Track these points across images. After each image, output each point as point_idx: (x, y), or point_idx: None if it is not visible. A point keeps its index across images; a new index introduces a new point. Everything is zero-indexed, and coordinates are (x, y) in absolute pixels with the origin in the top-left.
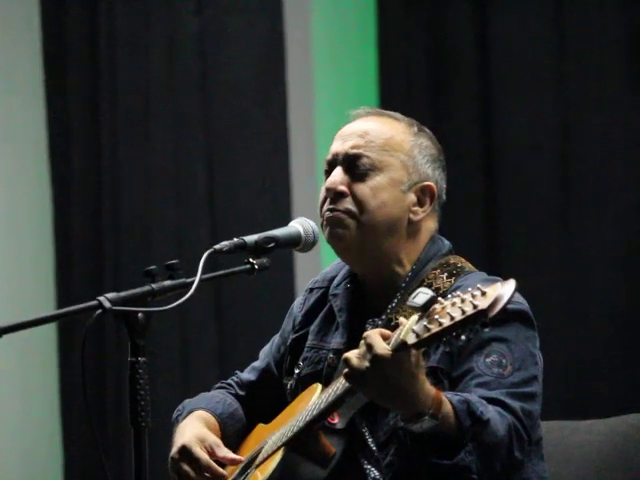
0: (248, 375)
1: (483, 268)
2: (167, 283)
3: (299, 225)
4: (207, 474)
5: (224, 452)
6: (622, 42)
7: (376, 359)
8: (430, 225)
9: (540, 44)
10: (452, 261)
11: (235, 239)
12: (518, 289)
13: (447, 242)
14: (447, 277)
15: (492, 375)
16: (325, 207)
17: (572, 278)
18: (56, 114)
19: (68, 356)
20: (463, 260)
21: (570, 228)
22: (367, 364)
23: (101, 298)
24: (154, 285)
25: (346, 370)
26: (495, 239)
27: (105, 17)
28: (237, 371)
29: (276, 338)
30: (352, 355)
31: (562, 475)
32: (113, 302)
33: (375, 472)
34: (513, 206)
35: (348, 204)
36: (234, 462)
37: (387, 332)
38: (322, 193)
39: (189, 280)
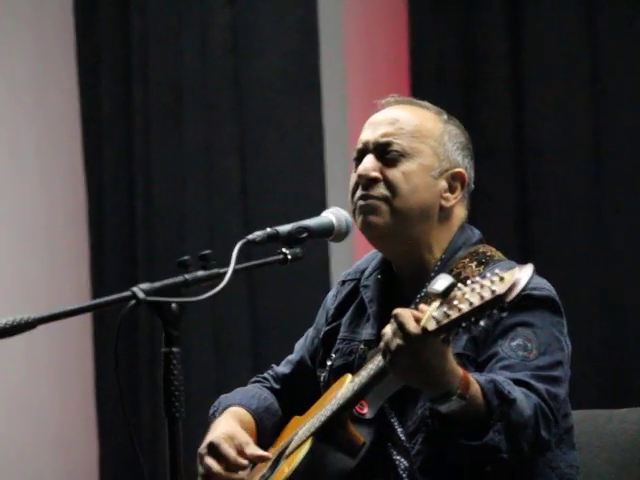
0: (283, 368)
1: (514, 258)
2: (200, 273)
3: (332, 215)
4: (233, 471)
5: (252, 449)
6: None
7: (407, 337)
8: (460, 213)
9: (572, 39)
10: (482, 250)
11: (268, 229)
12: (554, 278)
13: (477, 231)
14: (476, 266)
15: (517, 358)
16: (358, 194)
17: (605, 268)
18: (89, 108)
19: (102, 346)
20: (493, 249)
21: (603, 222)
22: (399, 341)
23: (135, 289)
24: (187, 275)
25: (381, 344)
26: (527, 233)
27: (137, 10)
28: (273, 365)
29: (310, 331)
30: (387, 330)
31: (597, 464)
32: (147, 293)
33: (405, 462)
34: (545, 200)
35: (381, 189)
36: (262, 459)
37: (418, 314)
38: (353, 180)
39: (222, 270)
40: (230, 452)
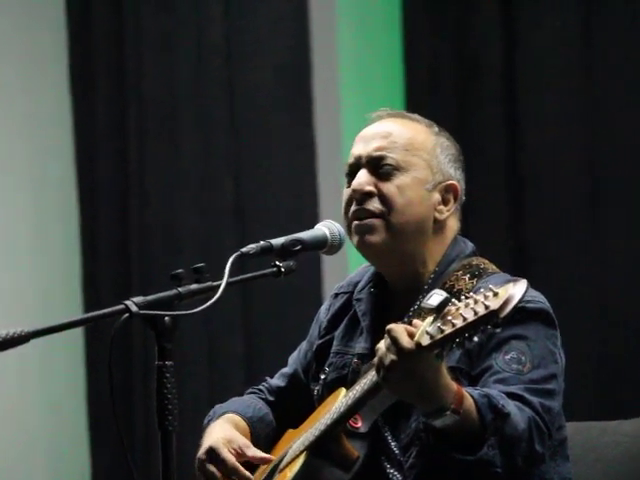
0: (277, 381)
1: (508, 269)
2: (194, 286)
3: (325, 228)
4: (233, 477)
5: (253, 451)
6: None
7: (401, 352)
8: (453, 225)
9: (567, 44)
10: (475, 262)
11: (262, 242)
12: (549, 290)
13: (470, 244)
14: (469, 278)
15: (511, 372)
16: (352, 209)
17: (600, 278)
18: (83, 119)
19: (95, 360)
20: (486, 261)
21: (597, 227)
22: (393, 357)
23: (128, 302)
24: (181, 289)
25: (375, 360)
26: (521, 239)
27: (132, 20)
28: (267, 377)
29: (303, 344)
30: (381, 346)
31: (591, 476)
32: (140, 306)
33: (398, 476)
34: (539, 205)
35: (376, 203)
36: (264, 461)
37: (411, 329)
38: (346, 195)
39: (216, 283)
40: (229, 457)
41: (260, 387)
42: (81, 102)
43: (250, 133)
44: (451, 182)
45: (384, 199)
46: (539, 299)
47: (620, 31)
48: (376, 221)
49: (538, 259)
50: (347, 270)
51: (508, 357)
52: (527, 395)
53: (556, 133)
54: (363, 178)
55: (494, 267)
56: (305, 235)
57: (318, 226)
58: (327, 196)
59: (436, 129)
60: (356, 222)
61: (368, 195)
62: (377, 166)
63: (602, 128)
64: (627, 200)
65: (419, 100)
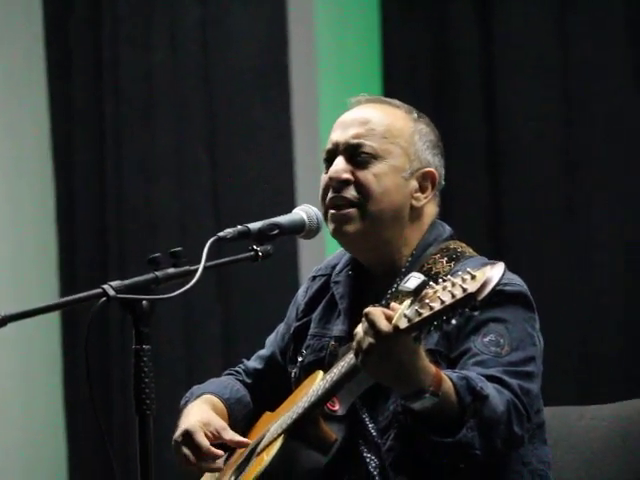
0: (254, 363)
1: (487, 255)
2: (171, 271)
3: (303, 212)
4: (206, 462)
5: (230, 435)
6: (624, 29)
7: (378, 336)
8: (431, 210)
9: (542, 34)
10: (452, 246)
11: (239, 226)
12: (525, 273)
13: (448, 227)
14: (447, 262)
15: (489, 354)
16: (329, 196)
17: (577, 264)
18: (59, 105)
19: (72, 344)
20: (464, 245)
21: (575, 215)
22: (370, 340)
23: (105, 286)
24: (158, 273)
25: (353, 343)
26: (500, 228)
27: (108, 7)
28: (244, 359)
29: (281, 326)
30: (359, 329)
31: (568, 460)
32: (117, 290)
33: (375, 460)
34: (517, 196)
35: (352, 191)
36: (241, 444)
37: (389, 312)
38: (323, 182)
39: (193, 268)
40: (204, 442)
41: (237, 369)
42: (58, 90)
43: (226, 117)
44: (429, 169)
45: (360, 187)
46: (517, 282)
47: (594, 20)
48: (352, 210)
49: (515, 243)
50: (324, 254)
51: (487, 340)
52: (506, 377)
53: (532, 119)
54: (340, 166)
55: (471, 250)
56: (283, 219)
57: (296, 210)
58: (304, 181)
59: (415, 115)
60: (332, 211)
61: (345, 183)
62: (354, 154)
63: (579, 114)
64: (605, 183)
65: (396, 89)
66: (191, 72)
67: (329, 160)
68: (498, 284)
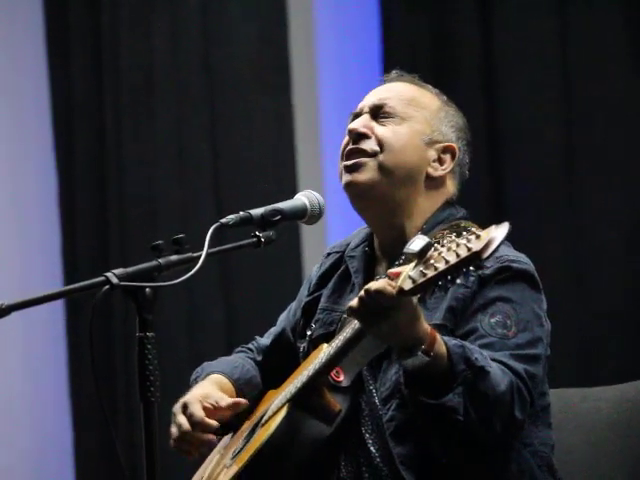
0: (265, 340)
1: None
2: (174, 258)
3: (305, 197)
4: (198, 430)
5: (227, 400)
6: (623, 19)
7: (384, 297)
8: (448, 188)
9: (542, 21)
10: (463, 224)
11: (241, 212)
12: (528, 257)
13: (463, 210)
14: (456, 236)
15: (496, 336)
16: (347, 149)
17: (577, 249)
18: (60, 93)
19: (76, 333)
20: (475, 225)
21: (574, 201)
22: (375, 301)
23: (108, 274)
24: (161, 260)
25: (353, 303)
26: (500, 215)
27: None
28: (256, 336)
29: (293, 304)
30: (362, 293)
31: (573, 442)
32: (120, 278)
33: (374, 447)
34: (517, 185)
35: (371, 144)
36: (237, 404)
37: (392, 282)
38: (345, 140)
39: (196, 254)
40: (199, 412)
41: (249, 346)
42: (58, 75)
43: (227, 105)
44: (449, 144)
45: (379, 140)
46: (524, 260)
47: (593, 10)
48: (367, 159)
49: (515, 229)
50: (326, 239)
51: (494, 320)
52: (512, 362)
53: (532, 105)
54: (361, 121)
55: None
56: (284, 205)
57: (298, 196)
58: (306, 167)
59: (444, 98)
60: (347, 161)
61: (363, 136)
62: (377, 113)
63: (578, 102)
64: (604, 170)
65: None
66: (192, 59)
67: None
68: (503, 242)
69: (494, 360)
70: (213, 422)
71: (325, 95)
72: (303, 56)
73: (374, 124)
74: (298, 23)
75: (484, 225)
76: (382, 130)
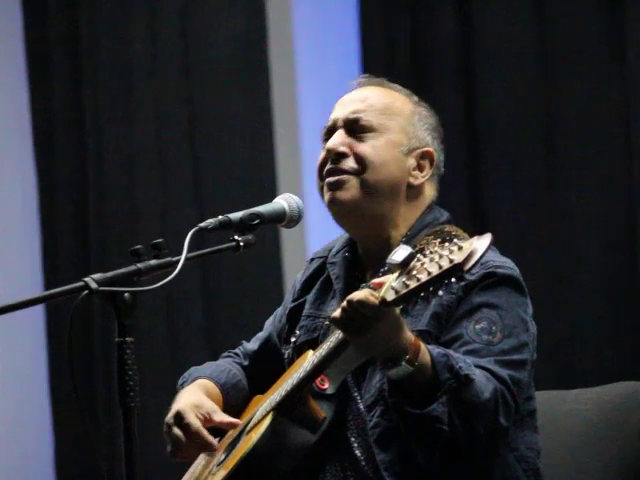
0: (252, 345)
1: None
2: (153, 262)
3: (284, 201)
4: (197, 440)
5: (220, 416)
6: (602, 17)
7: (367, 308)
8: (429, 193)
9: (521, 19)
10: (447, 229)
11: (220, 217)
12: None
13: (446, 213)
14: (440, 242)
15: (481, 342)
16: (326, 168)
17: (557, 251)
18: (39, 98)
19: (56, 337)
20: (460, 230)
21: (555, 197)
22: (358, 312)
23: (87, 279)
24: (140, 265)
25: (335, 314)
26: (480, 216)
27: None
28: (243, 341)
29: (279, 309)
30: (344, 304)
31: (552, 444)
32: (99, 283)
33: (359, 451)
34: (496, 176)
35: (350, 163)
36: (231, 425)
37: (374, 293)
38: (321, 156)
39: (175, 259)
40: (194, 421)
41: (236, 351)
42: (38, 83)
43: (206, 107)
44: (427, 149)
45: (359, 158)
46: (509, 265)
47: (572, 8)
48: (349, 177)
49: (496, 225)
50: (306, 244)
51: (479, 327)
52: (497, 368)
53: (512, 102)
54: (338, 139)
55: (466, 235)
56: (263, 209)
57: (277, 199)
58: (285, 170)
59: (415, 99)
60: (329, 178)
61: (342, 155)
62: (353, 128)
63: (557, 96)
64: (583, 167)
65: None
66: (171, 62)
67: (328, 138)
68: (486, 262)
69: (479, 367)
70: (210, 438)
71: (305, 98)
72: (282, 58)
73: (351, 140)
74: (277, 25)
75: (467, 228)
76: (361, 147)
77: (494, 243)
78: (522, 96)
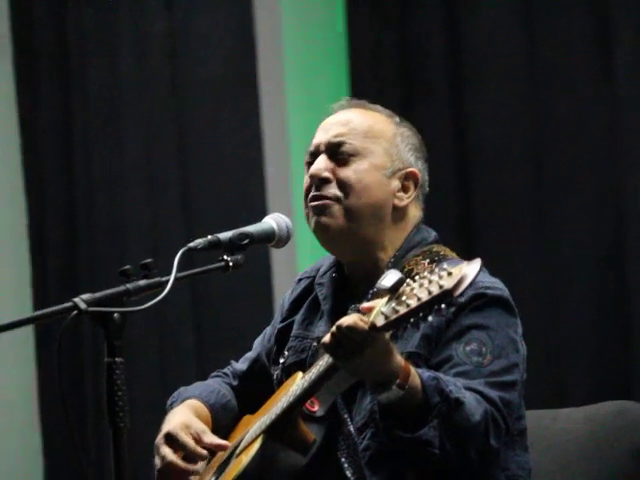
0: (241, 365)
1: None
2: (142, 282)
3: (273, 221)
4: (192, 461)
5: (210, 438)
6: (590, 36)
7: (356, 333)
8: (415, 213)
9: (509, 37)
10: (435, 249)
11: (209, 237)
12: (497, 276)
13: (434, 232)
14: (428, 263)
15: (471, 364)
16: (310, 195)
17: (546, 268)
18: (28, 116)
19: (46, 357)
20: (447, 249)
21: (543, 219)
22: (347, 337)
23: (76, 299)
24: (129, 285)
25: (325, 339)
26: (469, 232)
27: (74, 18)
28: (232, 361)
29: (268, 329)
30: (334, 328)
31: (542, 463)
32: (88, 303)
33: (349, 472)
34: (486, 200)
35: (333, 189)
36: (221, 448)
37: (364, 318)
38: (306, 182)
39: (164, 279)
40: (188, 441)
41: (225, 371)
42: (27, 103)
43: (195, 127)
44: (411, 170)
45: (342, 184)
46: (499, 286)
47: (561, 24)
48: (333, 204)
49: (485, 246)
50: (296, 263)
51: (469, 348)
52: (487, 390)
53: (501, 119)
54: (321, 164)
55: (454, 255)
56: (253, 229)
57: (266, 219)
58: (274, 188)
59: (397, 119)
60: (312, 203)
61: (325, 181)
62: (335, 152)
63: (547, 119)
64: (572, 188)
65: (364, 91)
66: (159, 82)
67: (311, 163)
68: (475, 280)
69: (469, 388)
70: (204, 451)
71: (294, 117)
72: (271, 78)
73: (334, 165)
74: (265, 44)
75: (455, 246)
76: (344, 172)
77: (483, 262)
78: (511, 114)
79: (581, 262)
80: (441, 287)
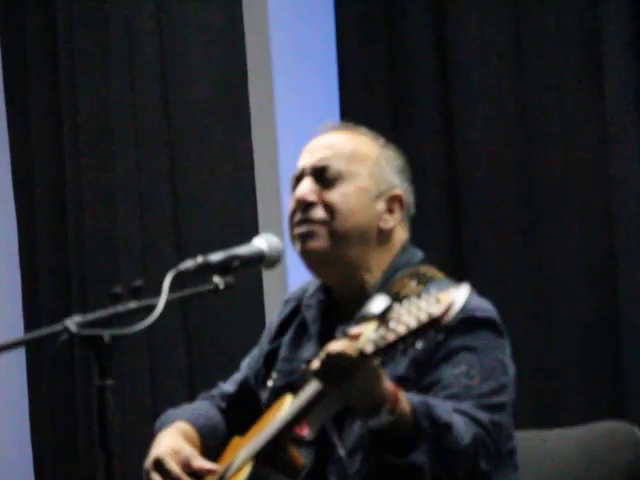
0: (229, 387)
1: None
2: (133, 305)
3: (263, 242)
4: None
5: (200, 462)
6: (580, 54)
7: (344, 360)
8: (401, 234)
9: (498, 53)
10: (422, 270)
11: (199, 259)
12: (487, 297)
13: (420, 253)
14: (416, 284)
15: (460, 387)
16: (296, 219)
17: (538, 287)
18: (18, 136)
19: (38, 379)
20: (434, 270)
21: (534, 237)
22: (336, 364)
23: (67, 322)
24: (120, 307)
25: (314, 365)
26: (459, 250)
27: (64, 38)
28: (220, 382)
29: (255, 350)
30: (322, 354)
31: None
32: (79, 325)
33: None
34: (476, 216)
35: (319, 212)
36: (210, 472)
37: (352, 344)
38: (291, 206)
39: (155, 301)
40: (174, 468)
41: (213, 393)
42: (17, 123)
43: (186, 149)
44: (396, 192)
45: (327, 207)
46: (487, 307)
47: (549, 36)
48: (318, 227)
49: (476, 264)
50: (287, 284)
51: (458, 371)
52: (477, 412)
53: (491, 137)
54: (307, 187)
55: (442, 275)
56: (243, 250)
57: (256, 240)
58: (266, 210)
59: (381, 141)
60: (298, 229)
61: (311, 204)
62: (320, 176)
63: (537, 134)
64: (563, 206)
65: (355, 115)
66: (149, 102)
67: (296, 187)
68: (463, 307)
69: (459, 411)
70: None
71: (285, 138)
72: (262, 99)
73: (319, 188)
74: (256, 66)
75: (445, 265)
76: (329, 196)
77: (472, 283)
78: (501, 132)
79: (572, 280)
80: (430, 315)
